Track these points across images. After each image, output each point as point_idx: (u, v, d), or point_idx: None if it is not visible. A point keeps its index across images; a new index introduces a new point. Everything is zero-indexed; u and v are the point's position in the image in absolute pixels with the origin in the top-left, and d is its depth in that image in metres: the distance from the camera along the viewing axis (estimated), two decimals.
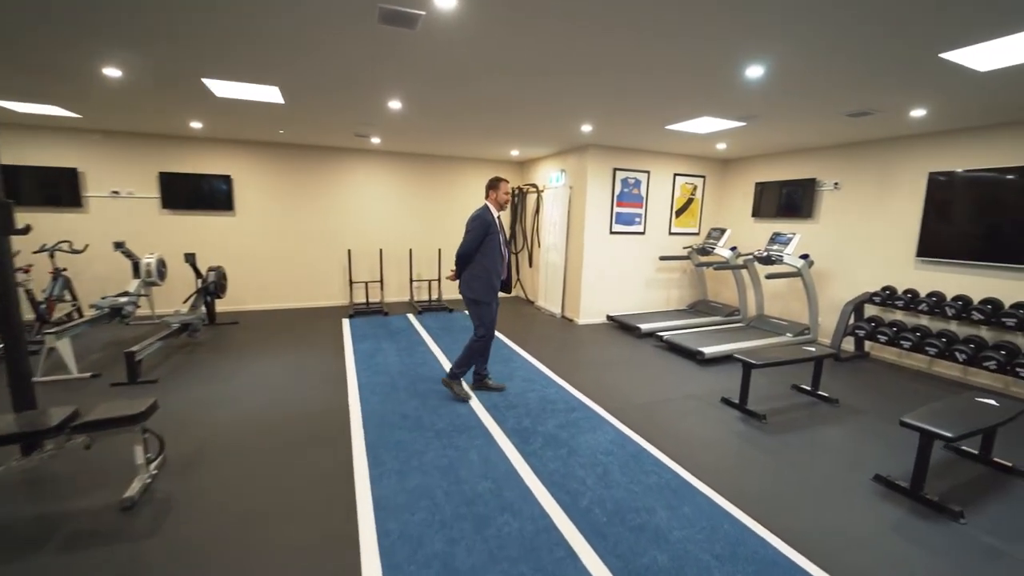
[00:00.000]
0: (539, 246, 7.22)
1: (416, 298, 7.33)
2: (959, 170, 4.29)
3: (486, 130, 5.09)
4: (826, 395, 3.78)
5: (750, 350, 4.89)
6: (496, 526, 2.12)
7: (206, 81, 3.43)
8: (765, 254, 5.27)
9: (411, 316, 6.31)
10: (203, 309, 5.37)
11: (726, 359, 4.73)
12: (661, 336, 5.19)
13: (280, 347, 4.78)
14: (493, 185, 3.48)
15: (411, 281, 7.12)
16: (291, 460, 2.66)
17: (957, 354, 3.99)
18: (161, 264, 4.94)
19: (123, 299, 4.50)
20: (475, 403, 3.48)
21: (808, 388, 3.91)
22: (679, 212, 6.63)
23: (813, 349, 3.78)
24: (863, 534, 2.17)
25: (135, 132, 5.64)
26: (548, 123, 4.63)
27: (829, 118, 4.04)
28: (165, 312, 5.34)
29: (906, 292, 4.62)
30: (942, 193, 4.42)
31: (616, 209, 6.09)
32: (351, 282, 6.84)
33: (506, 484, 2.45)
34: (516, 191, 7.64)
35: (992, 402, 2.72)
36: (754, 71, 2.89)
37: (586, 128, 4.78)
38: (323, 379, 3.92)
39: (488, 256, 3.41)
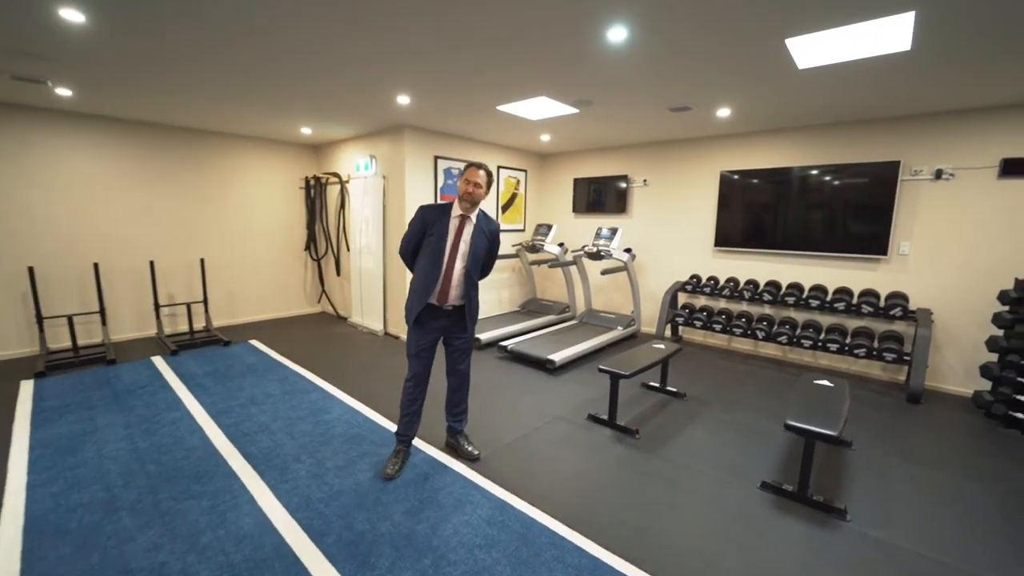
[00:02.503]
0: (348, 250, 5.89)
1: (169, 331, 5.17)
2: (743, 169, 4.83)
3: (251, 84, 3.62)
4: (674, 390, 3.73)
5: (594, 349, 4.75)
6: None
7: None
8: (594, 249, 5.20)
9: (159, 360, 4.31)
10: None
11: (575, 363, 4.43)
12: (505, 346, 4.62)
13: None
14: (462, 172, 2.44)
15: (156, 307, 4.95)
16: None
17: (757, 332, 4.47)
18: None
19: None
20: (272, 505, 2.21)
21: (657, 385, 3.82)
22: (505, 207, 6.21)
23: (663, 346, 3.67)
24: (789, 570, 1.87)
25: None
26: (349, 85, 3.50)
27: (653, 111, 4.00)
28: None
29: (710, 279, 5.06)
30: (730, 189, 4.94)
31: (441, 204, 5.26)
32: (40, 318, 4.33)
33: None
34: (312, 181, 6.11)
35: (827, 383, 2.87)
36: (615, 33, 2.42)
37: (403, 100, 3.80)
38: None
39: (422, 264, 2.44)
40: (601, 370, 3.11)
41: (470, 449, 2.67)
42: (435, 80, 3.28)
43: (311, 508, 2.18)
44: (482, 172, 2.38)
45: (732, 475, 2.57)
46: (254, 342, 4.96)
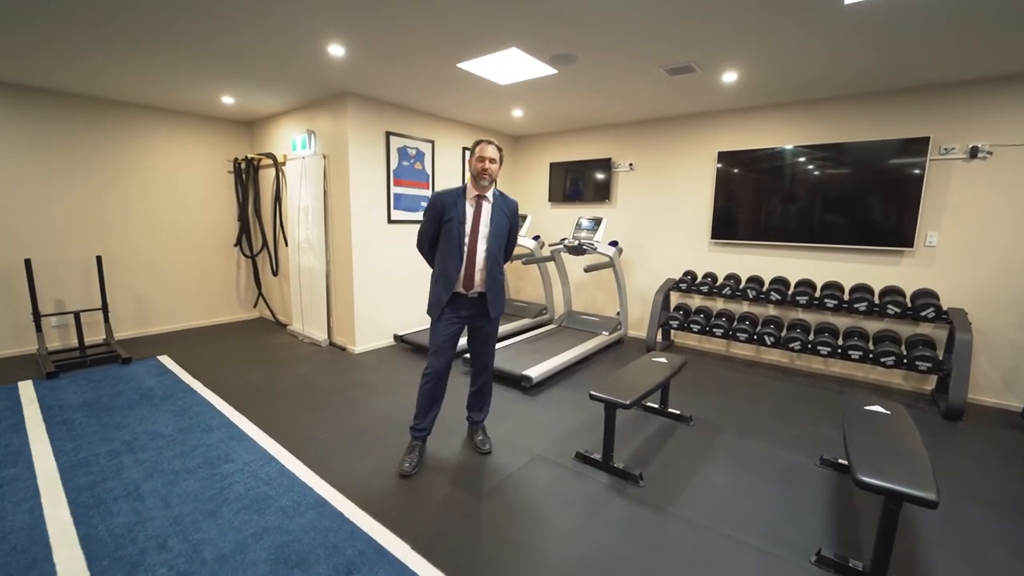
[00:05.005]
0: (286, 245, 5.00)
1: (57, 346, 4.18)
2: (744, 149, 4.20)
3: (132, 19, 2.74)
4: (677, 412, 3.07)
5: (576, 360, 4.03)
6: None
7: None
8: (576, 243, 4.49)
9: (26, 386, 3.35)
10: None
11: (554, 377, 3.72)
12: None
13: None
14: (471, 151, 2.32)
15: (37, 317, 3.94)
16: None
17: (766, 337, 3.86)
18: None
19: None
20: None
21: (656, 407, 3.15)
22: None
23: (664, 360, 3.00)
24: None
25: None
26: (259, 19, 2.66)
27: (646, 75, 3.32)
28: None
29: (706, 276, 4.43)
30: (728, 174, 4.31)
31: (394, 190, 4.45)
32: None
33: None
34: (243, 163, 5.17)
35: (880, 409, 2.25)
36: None
37: (336, 51, 2.98)
38: None
39: (441, 253, 2.34)
40: (593, 397, 2.40)
41: (481, 440, 2.59)
42: (376, 16, 2.49)
43: None
44: (493, 147, 2.26)
45: (774, 543, 1.90)
46: (163, 358, 4.03)
